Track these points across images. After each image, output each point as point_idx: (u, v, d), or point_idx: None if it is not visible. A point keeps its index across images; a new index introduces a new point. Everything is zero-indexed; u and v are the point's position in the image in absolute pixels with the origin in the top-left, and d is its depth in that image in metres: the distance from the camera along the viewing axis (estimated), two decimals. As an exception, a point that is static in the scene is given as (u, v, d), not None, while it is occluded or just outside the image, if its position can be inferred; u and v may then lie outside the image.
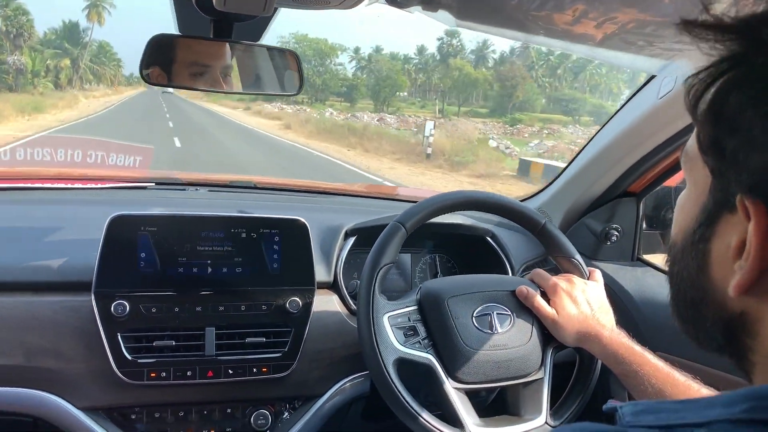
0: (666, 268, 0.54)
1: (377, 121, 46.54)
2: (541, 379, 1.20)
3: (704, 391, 0.94)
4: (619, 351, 1.06)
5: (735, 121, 0.42)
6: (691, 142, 0.49)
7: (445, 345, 1.17)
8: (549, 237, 1.29)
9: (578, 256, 1.27)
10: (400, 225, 1.22)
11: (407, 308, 1.22)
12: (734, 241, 0.43)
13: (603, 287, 1.22)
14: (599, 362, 1.20)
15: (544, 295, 1.21)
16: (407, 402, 1.11)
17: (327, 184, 2.20)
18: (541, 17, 0.85)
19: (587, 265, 1.28)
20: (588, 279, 1.24)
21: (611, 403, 0.48)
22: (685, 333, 0.52)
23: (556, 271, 1.42)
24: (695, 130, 0.48)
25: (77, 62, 64.03)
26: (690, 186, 0.50)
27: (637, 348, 1.06)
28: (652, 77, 1.31)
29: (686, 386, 0.96)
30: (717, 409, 0.40)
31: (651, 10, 0.83)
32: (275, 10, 1.02)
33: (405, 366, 1.15)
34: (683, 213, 0.50)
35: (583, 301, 1.16)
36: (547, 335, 1.20)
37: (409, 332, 1.19)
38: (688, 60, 1.00)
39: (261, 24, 1.16)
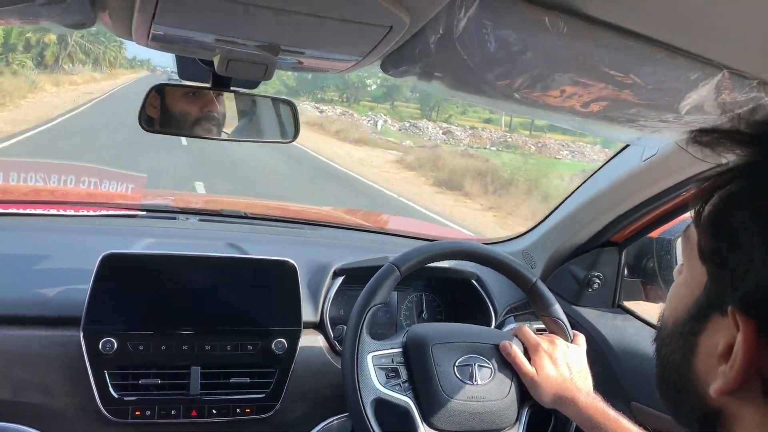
0: (654, 346, 0.55)
1: (443, 134, 36.51)
2: None
3: None
4: (594, 416, 1.09)
5: (736, 238, 0.43)
6: (693, 230, 0.49)
7: (425, 390, 1.19)
8: (538, 296, 1.32)
9: (564, 318, 1.30)
10: (395, 267, 1.25)
11: (392, 350, 1.24)
12: (721, 344, 0.44)
13: (584, 352, 1.25)
14: (573, 426, 1.23)
15: (526, 352, 1.23)
16: None
17: (316, 213, 2.23)
18: (529, 95, 0.89)
19: (567, 310, 1.31)
20: (571, 342, 1.27)
21: None
22: (666, 408, 0.54)
23: (536, 315, 1.46)
24: (697, 239, 0.48)
25: (65, 38, 53.51)
26: (687, 272, 0.51)
27: (612, 413, 1.08)
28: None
29: None
30: None
31: (635, 95, 0.87)
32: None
33: (383, 407, 1.17)
34: (677, 298, 0.51)
35: (563, 364, 1.19)
36: (525, 392, 1.22)
37: (391, 374, 1.21)
38: (669, 133, 1.04)
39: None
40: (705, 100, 0.87)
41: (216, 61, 0.87)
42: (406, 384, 1.20)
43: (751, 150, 0.44)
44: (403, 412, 1.17)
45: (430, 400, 1.17)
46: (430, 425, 1.16)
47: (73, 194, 1.89)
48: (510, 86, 0.86)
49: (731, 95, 0.87)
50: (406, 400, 1.17)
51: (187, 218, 1.78)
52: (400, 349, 1.24)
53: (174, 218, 1.78)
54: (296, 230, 1.90)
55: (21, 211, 1.60)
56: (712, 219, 0.46)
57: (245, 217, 1.90)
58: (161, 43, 0.82)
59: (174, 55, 1.14)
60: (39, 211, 1.62)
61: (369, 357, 1.19)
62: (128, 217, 1.70)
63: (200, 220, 1.81)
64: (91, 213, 1.66)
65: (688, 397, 0.50)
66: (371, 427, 1.13)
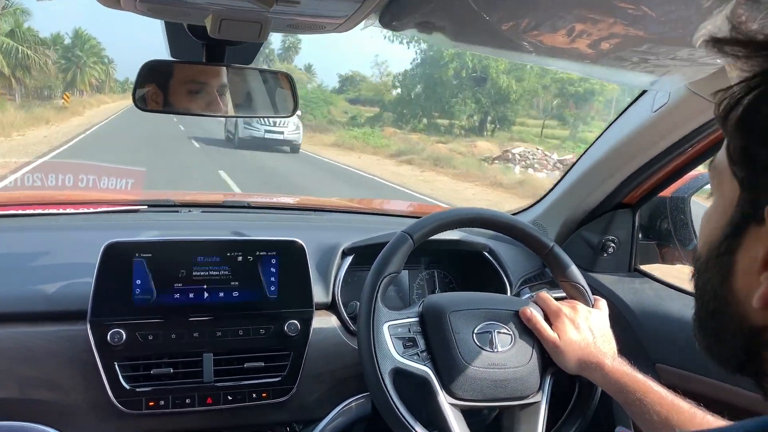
0: (691, 281, 0.54)
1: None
2: (539, 402, 1.18)
3: (709, 418, 0.93)
4: (621, 379, 1.05)
5: (766, 132, 0.43)
6: (721, 154, 0.49)
7: (444, 359, 1.16)
8: (556, 261, 1.28)
9: (584, 282, 1.26)
10: (407, 236, 1.22)
11: (408, 319, 1.21)
12: (761, 254, 0.43)
13: (606, 316, 1.21)
14: (599, 390, 1.19)
15: (547, 319, 1.20)
16: (401, 413, 1.10)
17: (321, 201, 2.20)
18: (536, 38, 0.85)
19: (585, 277, 1.28)
20: (593, 307, 1.23)
21: (619, 430, 0.48)
22: (705, 350, 0.52)
23: (553, 284, 1.42)
24: (725, 142, 0.48)
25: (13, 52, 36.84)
26: (717, 198, 0.50)
27: (640, 376, 1.05)
28: (645, 91, 1.32)
29: (691, 414, 0.95)
30: None
31: (646, 29, 0.83)
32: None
33: (402, 378, 1.14)
34: (710, 225, 0.50)
35: (585, 328, 1.15)
36: (547, 359, 1.19)
37: (408, 343, 1.18)
38: (681, 75, 1.01)
39: (253, 47, 1.15)
40: (719, 30, 0.83)
41: (208, 23, 0.83)
42: (425, 353, 1.17)
43: None
44: (422, 382, 1.14)
45: (449, 368, 1.14)
46: (451, 394, 1.13)
47: (72, 195, 1.87)
48: (516, 29, 0.82)
49: (746, 24, 0.84)
50: (425, 370, 1.14)
51: (190, 211, 1.76)
52: (417, 319, 1.21)
53: (177, 211, 1.75)
54: (302, 216, 1.88)
55: (20, 212, 1.57)
56: (740, 120, 0.45)
57: (248, 207, 1.87)
58: (150, 5, 0.79)
59: (165, 32, 1.11)
60: (39, 211, 1.59)
61: (385, 327, 1.16)
62: (130, 212, 1.67)
63: (203, 212, 1.79)
64: (92, 210, 1.63)
65: (729, 323, 0.48)
66: (391, 397, 1.10)
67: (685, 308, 1.43)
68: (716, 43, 0.47)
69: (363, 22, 0.89)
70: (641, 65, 0.95)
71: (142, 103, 1.08)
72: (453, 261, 1.67)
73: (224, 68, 1.13)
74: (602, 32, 0.84)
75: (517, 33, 0.84)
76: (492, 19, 0.80)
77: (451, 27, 0.87)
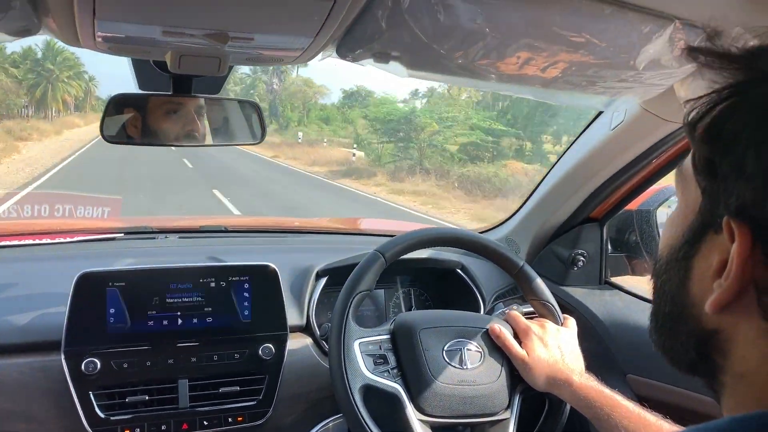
0: (650, 285, 0.55)
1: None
2: (508, 419, 1.20)
3: (675, 430, 0.96)
4: (589, 395, 1.08)
5: (730, 144, 0.44)
6: (687, 162, 0.50)
7: (414, 375, 1.17)
8: (526, 280, 1.31)
9: (553, 301, 1.29)
10: (379, 254, 1.24)
11: (380, 336, 1.23)
12: (715, 261, 0.45)
13: (575, 334, 1.24)
14: (567, 408, 1.21)
15: (516, 337, 1.22)
16: (370, 429, 1.11)
17: (296, 222, 2.22)
18: (487, 66, 0.89)
19: (554, 291, 1.31)
20: (561, 325, 1.25)
21: None
22: (659, 348, 0.54)
23: (525, 300, 1.45)
24: (691, 151, 0.49)
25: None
26: (681, 204, 0.52)
27: (607, 391, 1.07)
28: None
29: (657, 427, 0.98)
30: None
31: (591, 54, 0.87)
32: (230, 68, 1.04)
33: (372, 395, 1.16)
34: (671, 229, 0.52)
35: (554, 346, 1.18)
36: (516, 376, 1.21)
37: (378, 360, 1.20)
38: (632, 95, 1.05)
39: (219, 78, 1.17)
40: (661, 53, 0.87)
41: (168, 59, 0.86)
42: (395, 370, 1.19)
43: (744, 69, 0.45)
44: (392, 399, 1.15)
45: (419, 385, 1.16)
46: (421, 411, 1.14)
47: (47, 224, 1.87)
48: (467, 57, 0.86)
49: (686, 46, 0.88)
50: (396, 387, 1.16)
51: (167, 237, 1.76)
52: (388, 336, 1.23)
53: (153, 238, 1.76)
54: (277, 239, 1.89)
55: (-6, 243, 1.57)
56: (707, 131, 0.46)
57: (225, 231, 1.88)
58: (110, 44, 0.81)
59: (131, 65, 1.13)
60: (12, 242, 1.60)
61: (356, 344, 1.18)
62: (106, 241, 1.68)
63: (180, 237, 1.80)
64: (68, 240, 1.64)
65: (683, 325, 0.50)
66: (360, 414, 1.11)
67: (653, 319, 1.45)
68: (692, 51, 0.48)
69: (321, 54, 0.92)
70: (591, 88, 0.99)
71: (110, 135, 1.09)
72: (428, 279, 1.70)
73: (192, 100, 1.15)
74: (549, 59, 0.87)
75: (469, 61, 0.87)
76: (442, 49, 0.84)
77: (406, 57, 0.90)
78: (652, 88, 1.00)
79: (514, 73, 0.91)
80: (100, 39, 0.79)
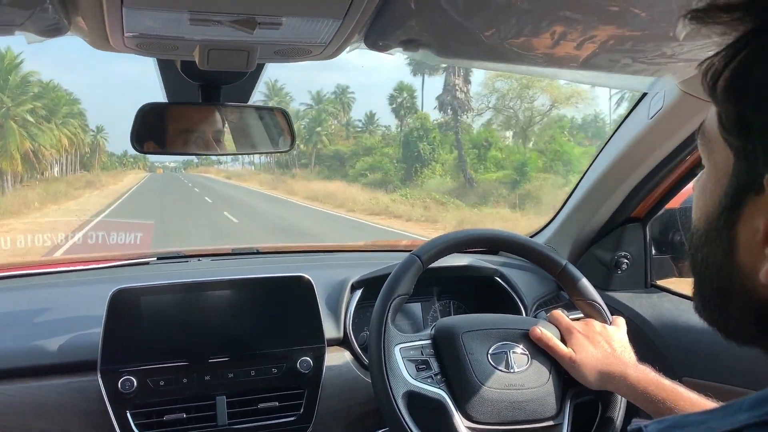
0: (688, 260, 0.51)
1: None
2: (560, 425, 1.13)
3: None
4: (648, 388, 1.01)
5: (760, 94, 0.41)
6: (710, 123, 0.47)
7: (459, 381, 1.12)
8: (570, 279, 1.25)
9: (600, 300, 1.23)
10: (416, 257, 1.20)
11: (421, 341, 1.19)
12: (763, 225, 0.41)
13: (624, 332, 1.18)
14: (623, 407, 1.15)
15: (562, 339, 1.17)
16: None
17: (330, 245, 2.20)
18: (520, 44, 0.86)
19: (602, 297, 1.24)
20: (610, 324, 1.19)
21: (636, 423, 0.45)
22: (711, 324, 0.50)
23: (569, 306, 1.39)
24: (714, 110, 0.46)
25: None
26: (709, 169, 0.48)
27: (667, 383, 1.01)
28: (640, 100, 1.32)
29: None
30: (743, 413, 0.38)
31: (628, 26, 0.83)
32: (261, 67, 1.04)
33: (416, 402, 1.11)
34: (704, 197, 0.48)
35: (601, 341, 1.12)
36: (567, 379, 1.15)
37: (421, 366, 1.15)
38: (672, 74, 1.01)
39: (248, 86, 1.17)
40: (702, 21, 0.84)
41: (197, 55, 0.85)
42: (438, 376, 1.14)
43: (752, 15, 0.43)
44: (437, 406, 1.10)
45: (465, 391, 1.10)
46: (468, 417, 1.09)
47: (80, 257, 1.88)
48: (498, 36, 0.83)
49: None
50: (440, 393, 1.11)
51: (199, 260, 1.76)
52: (430, 341, 1.18)
53: (186, 261, 1.75)
54: (310, 257, 1.87)
55: (30, 271, 1.58)
56: (730, 86, 0.43)
57: (258, 253, 1.87)
58: (138, 41, 0.81)
59: (159, 76, 1.13)
60: (47, 270, 1.60)
61: (397, 349, 1.13)
62: (139, 265, 1.68)
63: (213, 260, 1.79)
64: (101, 266, 1.64)
65: (736, 299, 0.46)
66: (405, 422, 1.06)
67: (707, 318, 1.39)
68: (696, 15, 0.45)
69: (349, 46, 0.90)
70: (630, 66, 0.95)
71: (139, 145, 1.09)
72: (465, 289, 1.65)
73: (221, 108, 1.15)
74: (584, 33, 0.84)
75: (501, 40, 0.84)
76: (473, 27, 0.81)
77: (436, 41, 0.88)
78: (692, 64, 0.96)
79: (548, 52, 0.88)
80: (128, 35, 0.78)
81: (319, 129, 49.34)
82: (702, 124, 0.49)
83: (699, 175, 0.51)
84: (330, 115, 51.16)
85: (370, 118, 49.96)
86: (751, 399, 0.39)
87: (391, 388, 1.08)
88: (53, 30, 0.77)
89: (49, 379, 1.19)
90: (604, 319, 1.20)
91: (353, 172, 38.46)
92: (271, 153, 1.30)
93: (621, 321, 1.21)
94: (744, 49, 0.42)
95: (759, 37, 0.42)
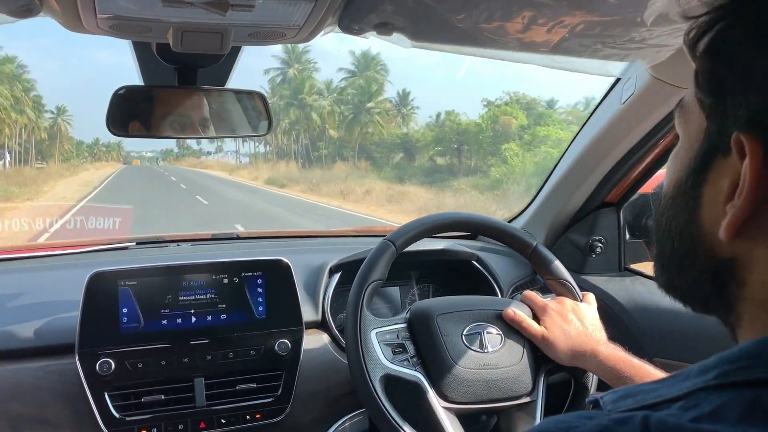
0: (653, 227, 0.53)
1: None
2: (534, 402, 1.17)
3: None
4: (617, 365, 1.04)
5: (735, 54, 0.42)
6: (688, 94, 0.48)
7: (434, 362, 1.15)
8: (540, 259, 1.28)
9: (570, 278, 1.26)
10: (389, 243, 1.22)
11: (396, 325, 1.21)
12: (726, 185, 0.42)
13: (595, 308, 1.21)
14: (595, 383, 1.18)
15: (535, 317, 1.19)
16: (394, 419, 1.08)
17: (310, 231, 2.20)
18: (492, 29, 0.87)
19: (576, 281, 1.27)
20: (581, 302, 1.22)
21: (593, 396, 0.47)
22: (669, 290, 0.51)
23: (544, 290, 1.41)
24: (694, 73, 0.47)
25: None
26: (683, 138, 0.49)
27: (636, 361, 1.04)
28: (613, 86, 1.34)
29: None
30: (691, 379, 0.40)
31: (597, 11, 0.85)
32: (238, 50, 1.04)
33: (393, 385, 1.13)
34: (675, 164, 0.49)
35: (573, 319, 1.15)
36: (540, 357, 1.18)
37: (397, 349, 1.17)
38: (643, 60, 1.03)
39: (225, 69, 1.17)
40: (668, 6, 0.85)
41: (170, 37, 0.85)
42: (414, 359, 1.16)
43: None
44: (414, 388, 1.12)
45: (441, 372, 1.13)
46: (444, 398, 1.11)
47: (59, 242, 1.87)
48: (471, 19, 0.84)
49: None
50: (417, 375, 1.13)
51: (179, 245, 1.76)
52: (405, 324, 1.20)
53: (165, 246, 1.75)
54: (289, 242, 1.88)
55: (7, 256, 1.57)
56: (710, 45, 0.44)
57: (237, 238, 1.88)
58: (112, 22, 0.81)
59: (135, 58, 1.13)
60: (24, 254, 1.59)
61: (373, 333, 1.15)
62: (118, 250, 1.68)
63: (192, 245, 1.79)
64: (80, 250, 1.63)
65: (695, 259, 0.47)
66: (382, 403, 1.08)
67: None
68: None
69: (323, 29, 0.91)
70: (600, 51, 0.97)
71: (115, 128, 1.09)
72: (443, 273, 1.67)
73: (198, 92, 1.15)
74: (554, 18, 0.86)
75: (473, 24, 0.86)
76: (446, 11, 0.82)
77: (409, 25, 0.88)
78: (662, 49, 0.98)
79: (520, 36, 0.90)
80: (102, 17, 0.78)
81: (370, 105, 35.03)
82: (682, 99, 0.50)
83: (675, 149, 0.53)
84: (381, 87, 36.26)
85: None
86: (697, 366, 0.41)
87: (368, 373, 1.10)
88: (25, 11, 0.76)
89: (26, 362, 1.19)
90: (574, 297, 1.24)
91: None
92: (247, 136, 1.30)
93: (591, 297, 1.25)
94: (729, 15, 0.43)
95: (740, 3, 0.43)
